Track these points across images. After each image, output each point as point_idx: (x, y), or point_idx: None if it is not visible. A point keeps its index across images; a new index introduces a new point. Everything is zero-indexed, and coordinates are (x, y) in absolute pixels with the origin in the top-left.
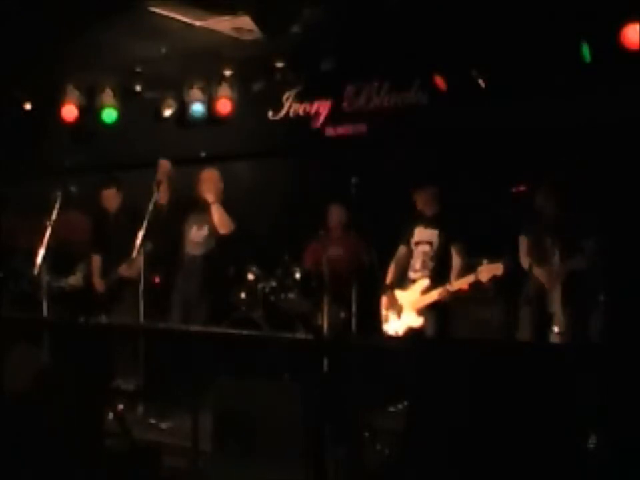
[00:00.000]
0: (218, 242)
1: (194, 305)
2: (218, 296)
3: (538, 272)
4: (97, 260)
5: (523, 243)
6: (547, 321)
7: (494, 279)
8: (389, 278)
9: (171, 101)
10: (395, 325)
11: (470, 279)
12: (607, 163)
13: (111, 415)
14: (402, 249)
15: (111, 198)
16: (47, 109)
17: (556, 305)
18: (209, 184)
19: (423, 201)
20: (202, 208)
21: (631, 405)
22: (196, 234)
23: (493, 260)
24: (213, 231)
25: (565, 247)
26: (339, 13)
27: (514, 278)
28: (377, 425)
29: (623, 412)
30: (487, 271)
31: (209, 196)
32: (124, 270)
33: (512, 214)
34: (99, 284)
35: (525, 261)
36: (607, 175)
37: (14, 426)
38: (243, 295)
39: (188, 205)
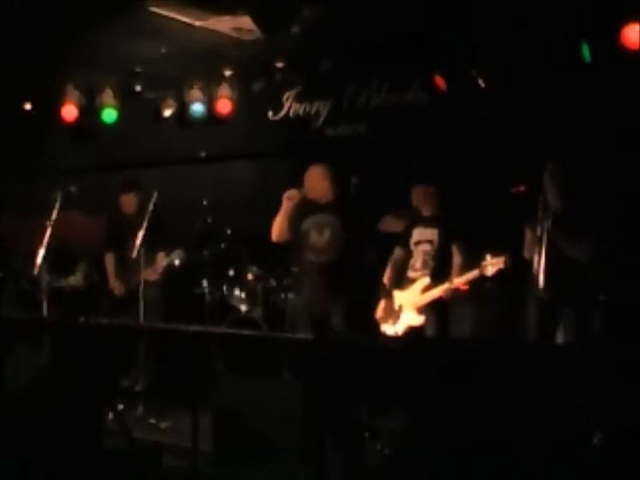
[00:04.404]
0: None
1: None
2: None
3: (540, 263)
4: (110, 263)
5: (528, 234)
6: (552, 319)
7: (497, 273)
8: (387, 278)
9: (170, 101)
10: (394, 324)
11: (474, 274)
12: (607, 163)
13: (111, 415)
14: (399, 249)
15: (129, 202)
16: (47, 108)
17: (556, 295)
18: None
19: (423, 201)
20: (317, 209)
21: (631, 403)
22: (316, 239)
23: (495, 255)
24: (336, 234)
25: (566, 236)
26: (339, 12)
27: (516, 276)
28: (376, 425)
29: (623, 411)
30: (492, 264)
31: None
32: (147, 273)
33: (512, 213)
34: (116, 286)
35: (528, 255)
36: (605, 175)
37: (14, 426)
38: (242, 295)
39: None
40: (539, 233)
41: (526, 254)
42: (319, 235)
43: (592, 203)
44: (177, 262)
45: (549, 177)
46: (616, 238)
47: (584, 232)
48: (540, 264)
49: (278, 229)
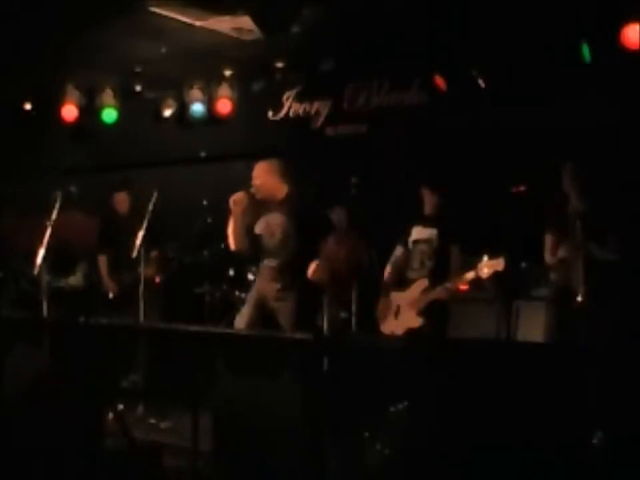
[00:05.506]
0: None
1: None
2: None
3: (565, 265)
4: (104, 263)
5: (548, 239)
6: (574, 317)
7: (495, 275)
8: (387, 278)
9: (170, 101)
10: (394, 325)
11: (470, 275)
12: (606, 164)
13: (111, 415)
14: (399, 249)
15: (122, 201)
16: (47, 108)
17: (583, 295)
18: (267, 178)
19: (422, 200)
20: (268, 209)
21: (632, 404)
22: (268, 242)
23: (492, 257)
24: (287, 234)
25: (593, 234)
26: (339, 12)
27: (515, 277)
28: (377, 425)
29: (624, 412)
30: (488, 267)
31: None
32: (146, 272)
33: (512, 214)
34: (110, 286)
35: (550, 258)
36: (604, 175)
37: (14, 426)
38: (242, 295)
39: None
40: (562, 235)
41: (547, 257)
42: (271, 237)
43: (614, 201)
44: (169, 257)
45: (569, 178)
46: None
47: (610, 231)
48: (564, 266)
49: (233, 238)
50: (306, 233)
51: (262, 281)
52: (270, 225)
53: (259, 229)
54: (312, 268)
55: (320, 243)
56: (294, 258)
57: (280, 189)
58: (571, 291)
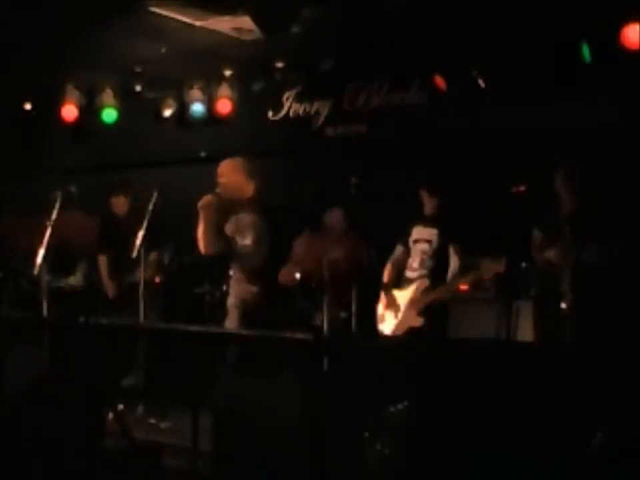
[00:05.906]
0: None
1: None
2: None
3: (550, 265)
4: (104, 264)
5: (537, 237)
6: (556, 318)
7: (496, 276)
8: (387, 277)
9: (171, 101)
10: (394, 324)
11: (472, 276)
12: (606, 164)
13: (111, 415)
14: (399, 248)
15: (120, 205)
16: (47, 108)
17: (566, 297)
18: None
19: (423, 200)
20: (237, 209)
21: (632, 404)
22: (241, 244)
23: (494, 257)
24: (260, 235)
25: (579, 236)
26: (339, 12)
27: (515, 277)
28: (377, 424)
29: (624, 412)
30: (490, 268)
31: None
32: (146, 272)
33: (512, 214)
34: (110, 286)
35: (537, 256)
36: (604, 175)
37: (14, 426)
38: None
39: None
40: (551, 234)
41: (535, 255)
42: (242, 238)
43: (605, 203)
44: (165, 261)
45: (562, 178)
46: (630, 238)
47: (600, 233)
48: (553, 265)
49: (204, 241)
50: (277, 231)
51: (240, 285)
52: (240, 226)
53: (229, 230)
54: (282, 272)
55: (292, 242)
56: (269, 258)
57: (247, 187)
58: (557, 292)
